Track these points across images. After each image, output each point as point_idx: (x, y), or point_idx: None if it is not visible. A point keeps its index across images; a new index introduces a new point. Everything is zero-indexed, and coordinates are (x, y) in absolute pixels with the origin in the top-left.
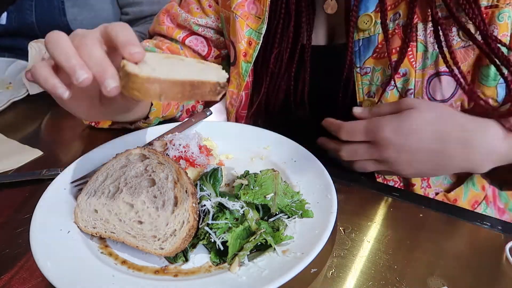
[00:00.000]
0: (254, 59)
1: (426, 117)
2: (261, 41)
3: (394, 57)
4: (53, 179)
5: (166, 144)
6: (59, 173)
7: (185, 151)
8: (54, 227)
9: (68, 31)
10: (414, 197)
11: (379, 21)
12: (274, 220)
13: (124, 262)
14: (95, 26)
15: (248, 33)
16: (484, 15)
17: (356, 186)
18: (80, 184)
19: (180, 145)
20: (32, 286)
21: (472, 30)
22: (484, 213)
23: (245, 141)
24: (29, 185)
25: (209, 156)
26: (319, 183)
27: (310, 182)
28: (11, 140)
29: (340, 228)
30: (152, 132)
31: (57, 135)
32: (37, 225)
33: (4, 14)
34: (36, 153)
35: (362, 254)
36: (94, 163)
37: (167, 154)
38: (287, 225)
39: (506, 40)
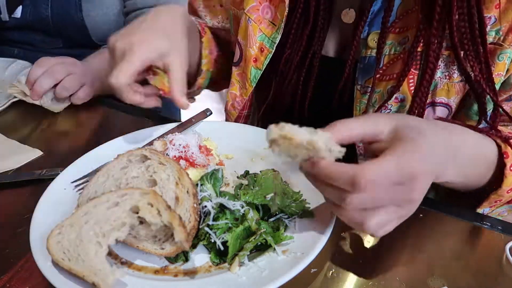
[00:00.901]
0: (264, 66)
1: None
2: (273, 50)
3: (394, 82)
4: (53, 179)
5: (166, 144)
6: (59, 173)
7: (185, 151)
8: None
9: (82, 26)
10: None
11: (389, 41)
12: (274, 220)
13: (124, 262)
14: (106, 23)
15: (260, 39)
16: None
17: None
18: (80, 184)
19: (180, 145)
20: (32, 286)
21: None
22: None
23: (245, 141)
24: (29, 185)
25: (209, 156)
26: None
27: (310, 185)
28: (11, 140)
29: (340, 228)
30: (152, 132)
31: (57, 135)
32: (37, 225)
33: (19, 8)
34: (36, 153)
35: (362, 254)
36: (94, 163)
37: (167, 154)
38: (287, 225)
39: (499, 79)
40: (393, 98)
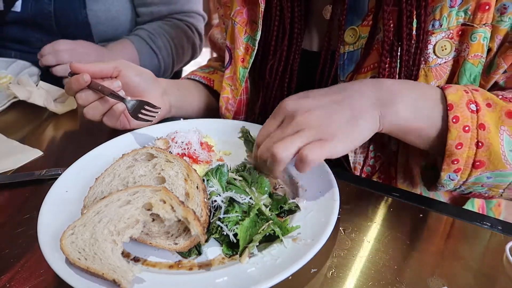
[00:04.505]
0: (250, 64)
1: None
2: (256, 47)
3: (371, 73)
4: (53, 179)
5: (168, 142)
6: (59, 173)
7: (187, 148)
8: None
9: (85, 23)
10: (414, 197)
11: (363, 35)
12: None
13: (137, 259)
14: (108, 19)
15: (246, 39)
16: (460, 32)
17: (356, 186)
18: None
19: (182, 142)
20: (32, 286)
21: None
22: None
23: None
24: (29, 185)
25: (210, 152)
26: (317, 174)
27: (310, 175)
28: (11, 140)
29: (340, 228)
30: (152, 131)
31: (57, 135)
32: (43, 225)
33: (19, 1)
34: (36, 153)
35: (362, 254)
36: (95, 163)
37: (170, 152)
38: (298, 207)
39: (480, 61)
40: None
